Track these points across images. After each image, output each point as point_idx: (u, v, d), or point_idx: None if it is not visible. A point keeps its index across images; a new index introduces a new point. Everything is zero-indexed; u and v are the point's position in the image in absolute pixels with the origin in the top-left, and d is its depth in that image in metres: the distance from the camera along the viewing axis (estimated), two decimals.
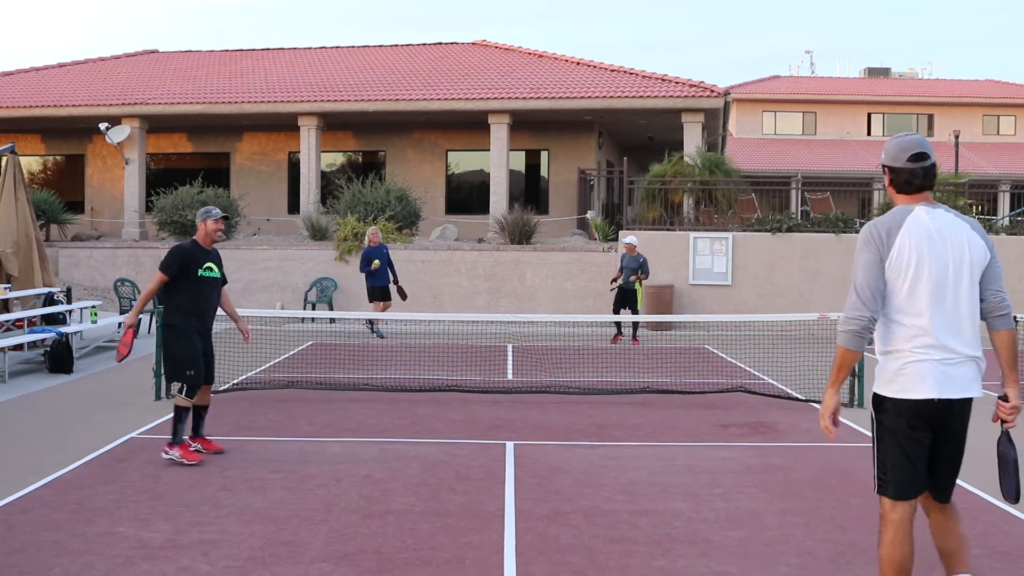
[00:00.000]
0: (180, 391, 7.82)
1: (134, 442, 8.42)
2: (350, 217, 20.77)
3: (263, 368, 13.18)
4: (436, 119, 24.38)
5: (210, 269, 7.95)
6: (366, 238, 17.84)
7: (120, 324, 15.14)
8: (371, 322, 17.61)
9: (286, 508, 6.41)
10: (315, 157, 23.71)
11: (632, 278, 16.68)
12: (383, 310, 17.05)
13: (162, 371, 10.49)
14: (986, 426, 9.79)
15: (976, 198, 27.96)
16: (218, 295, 8.15)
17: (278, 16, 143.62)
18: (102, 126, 23.60)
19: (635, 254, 16.82)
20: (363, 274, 17.40)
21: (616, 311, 16.87)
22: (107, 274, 21.21)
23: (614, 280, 17.06)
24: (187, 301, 7.84)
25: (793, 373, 12.43)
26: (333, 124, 24.72)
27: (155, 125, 25.13)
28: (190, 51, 30.89)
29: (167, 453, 7.69)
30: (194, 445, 7.95)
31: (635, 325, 16.92)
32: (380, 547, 5.64)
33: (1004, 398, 4.46)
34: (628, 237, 17.90)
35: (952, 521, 4.35)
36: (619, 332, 17.09)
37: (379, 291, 17.29)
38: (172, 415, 7.82)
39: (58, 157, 28.08)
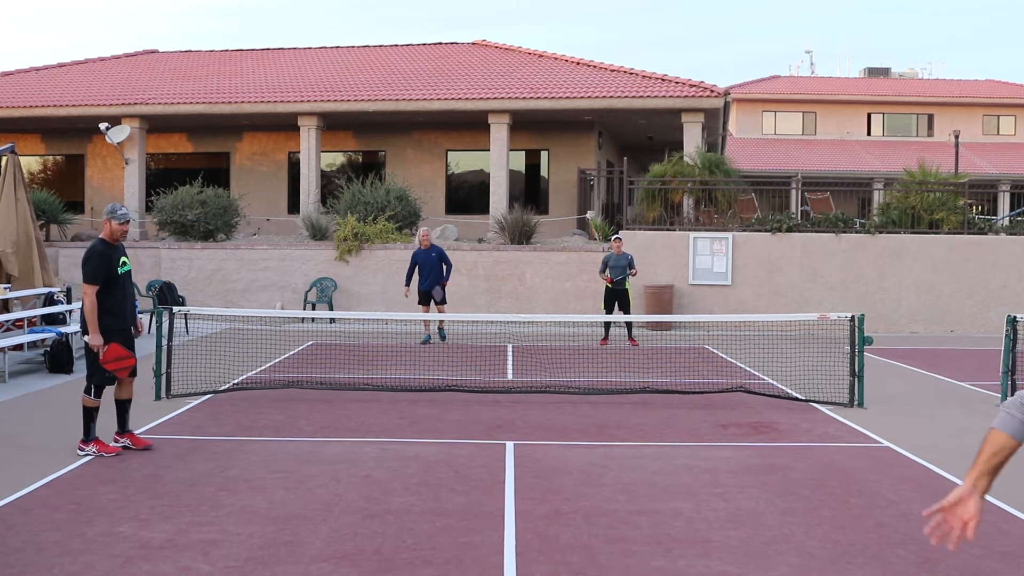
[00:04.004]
0: (89, 391, 7.93)
1: None
2: (350, 217, 20.76)
3: (263, 368, 13.17)
4: (436, 119, 24.37)
5: (124, 264, 8.02)
6: (416, 239, 16.89)
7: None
8: (439, 328, 16.87)
9: (286, 508, 6.41)
10: (315, 157, 23.70)
11: (631, 272, 16.66)
12: (427, 312, 16.39)
13: (162, 371, 10.53)
14: (986, 424, 9.75)
15: (976, 198, 27.95)
16: (132, 290, 8.21)
17: (277, 16, 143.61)
18: (102, 126, 23.59)
19: (621, 252, 16.78)
20: (413, 278, 16.58)
21: (609, 311, 16.81)
22: None
23: (608, 281, 16.75)
24: (105, 303, 7.86)
25: (793, 373, 12.43)
26: (333, 124, 24.71)
27: (155, 125, 25.12)
28: (190, 51, 30.86)
29: (82, 451, 7.88)
30: (122, 441, 8.06)
31: (629, 325, 16.82)
32: (380, 547, 5.64)
33: None
34: (615, 235, 17.83)
35: None
36: (607, 336, 16.90)
37: (425, 295, 16.49)
38: (83, 415, 7.94)
39: (58, 157, 28.07)
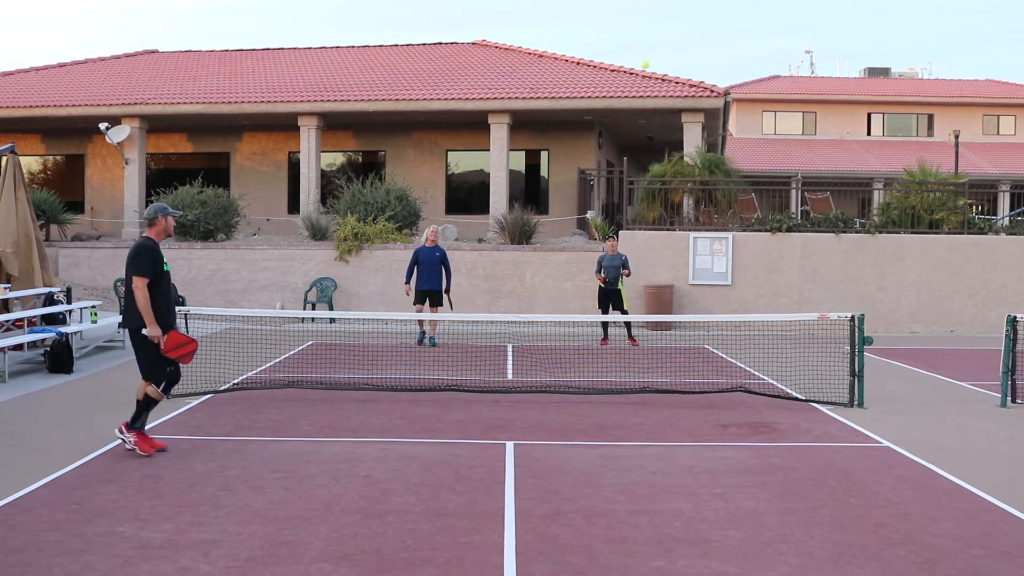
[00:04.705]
0: (158, 384, 7.97)
1: None
2: (350, 217, 20.76)
3: (263, 368, 13.17)
4: (436, 119, 24.37)
5: (166, 263, 8.11)
6: (423, 236, 16.52)
7: (120, 325, 15.14)
8: (431, 336, 16.36)
9: (286, 508, 6.41)
10: (315, 157, 23.70)
11: (624, 272, 16.62)
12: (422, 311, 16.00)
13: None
14: (986, 424, 9.73)
15: (976, 198, 27.95)
16: (171, 290, 8.25)
17: (277, 16, 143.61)
18: (102, 126, 23.60)
19: (616, 252, 16.75)
20: (410, 275, 16.20)
21: (604, 311, 16.72)
22: (107, 274, 21.21)
23: (601, 281, 16.69)
24: (153, 300, 7.87)
25: (793, 373, 12.43)
26: (333, 124, 24.71)
27: (155, 125, 25.12)
28: (190, 51, 30.87)
29: (122, 434, 7.91)
30: (129, 436, 8.03)
31: (628, 325, 16.76)
32: (380, 547, 5.64)
33: None
34: (609, 235, 17.66)
35: None
36: (606, 336, 16.84)
37: (422, 295, 16.12)
38: (140, 402, 7.93)
39: (58, 157, 28.07)
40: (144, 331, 7.81)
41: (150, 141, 25.52)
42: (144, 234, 8.14)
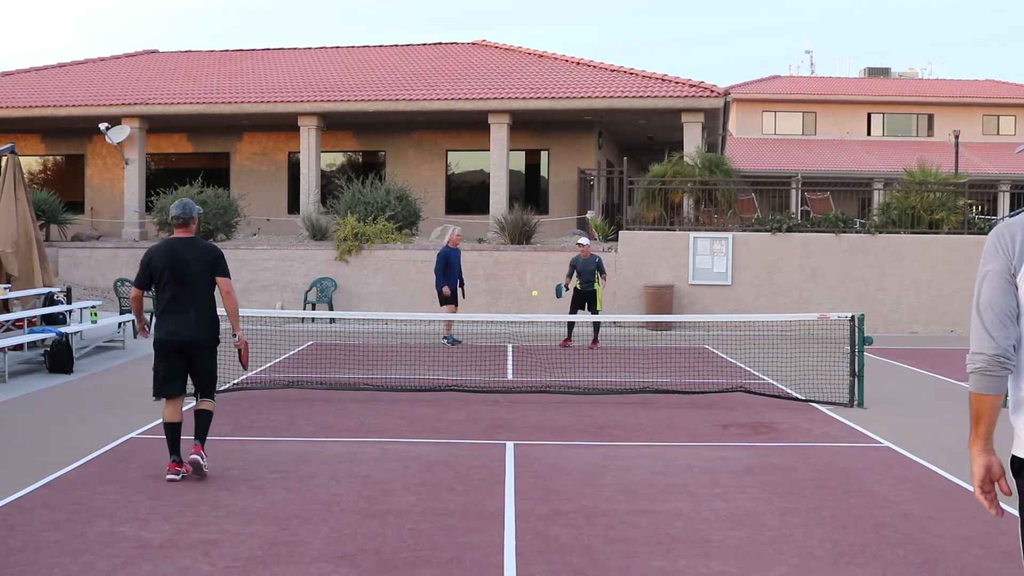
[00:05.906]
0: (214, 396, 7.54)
1: (134, 442, 8.41)
2: (350, 217, 20.76)
3: (263, 368, 13.17)
4: (436, 119, 24.37)
5: None
6: (447, 237, 16.83)
7: (120, 325, 15.14)
8: (448, 330, 16.75)
9: (286, 508, 6.41)
10: (315, 157, 23.70)
11: (601, 281, 16.29)
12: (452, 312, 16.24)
13: None
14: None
15: (976, 198, 27.94)
16: None
17: (277, 16, 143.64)
18: (102, 126, 23.60)
19: (588, 256, 16.32)
20: (436, 276, 16.50)
21: (574, 312, 16.33)
22: (107, 274, 21.21)
23: (567, 287, 16.33)
24: None
25: (793, 373, 12.43)
26: (333, 124, 24.71)
27: (155, 125, 25.12)
28: (190, 51, 30.87)
29: (203, 458, 7.08)
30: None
31: (596, 326, 16.45)
32: (380, 547, 5.63)
33: None
34: (581, 238, 17.12)
35: None
36: (569, 337, 16.47)
37: (453, 295, 16.47)
38: (209, 416, 7.33)
39: (58, 157, 28.08)
40: (239, 334, 7.58)
41: (150, 141, 25.51)
42: (185, 236, 7.46)
